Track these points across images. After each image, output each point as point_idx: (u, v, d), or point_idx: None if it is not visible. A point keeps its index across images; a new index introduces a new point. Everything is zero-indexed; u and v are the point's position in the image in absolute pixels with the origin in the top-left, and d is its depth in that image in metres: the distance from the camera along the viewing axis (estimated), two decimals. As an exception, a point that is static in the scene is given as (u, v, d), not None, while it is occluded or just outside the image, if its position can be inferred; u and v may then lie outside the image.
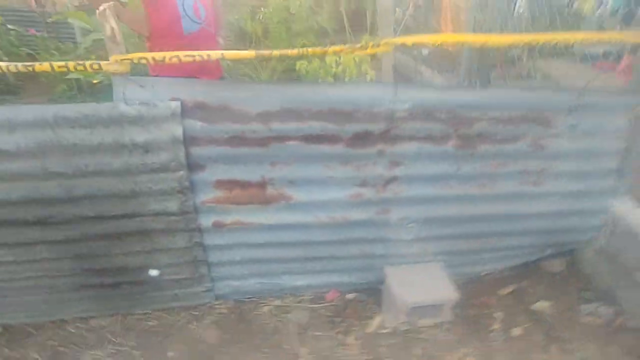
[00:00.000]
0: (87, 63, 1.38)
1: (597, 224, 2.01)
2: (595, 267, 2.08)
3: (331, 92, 1.56)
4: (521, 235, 1.97)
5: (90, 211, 1.52)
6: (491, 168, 1.77)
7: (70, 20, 3.65)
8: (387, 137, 1.63)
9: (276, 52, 1.48)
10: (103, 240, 1.59)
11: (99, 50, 4.15)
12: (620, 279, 1.90)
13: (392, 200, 1.75)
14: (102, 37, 3.38)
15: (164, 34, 2.13)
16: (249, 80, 4.98)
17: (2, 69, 1.34)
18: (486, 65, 4.07)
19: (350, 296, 1.97)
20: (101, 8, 1.37)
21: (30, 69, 1.38)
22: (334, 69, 4.41)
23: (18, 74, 5.29)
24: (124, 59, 1.38)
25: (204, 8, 2.22)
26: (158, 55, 1.41)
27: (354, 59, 4.16)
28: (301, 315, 1.84)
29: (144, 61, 1.40)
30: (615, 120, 1.78)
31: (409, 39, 1.53)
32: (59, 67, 1.38)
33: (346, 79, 4.26)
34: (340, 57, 3.98)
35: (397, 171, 1.70)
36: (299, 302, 1.92)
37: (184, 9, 2.14)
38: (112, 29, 1.38)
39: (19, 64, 1.36)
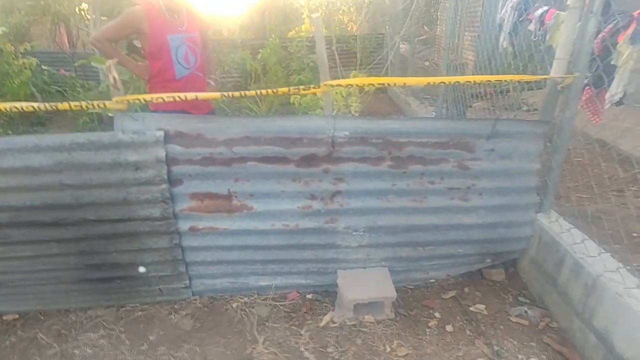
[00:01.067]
0: (95, 103, 1.84)
1: (526, 236, 2.30)
2: (529, 275, 2.35)
3: (282, 123, 1.96)
4: (457, 245, 2.27)
5: (92, 215, 1.93)
6: (422, 185, 2.11)
7: (93, 63, 4.28)
8: (330, 158, 2.01)
9: (237, 94, 1.91)
10: (101, 240, 2.00)
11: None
12: (547, 285, 2.16)
13: (339, 211, 2.11)
14: (122, 78, 3.95)
15: (160, 77, 2.60)
16: (248, 112, 5.52)
17: (33, 108, 1.81)
18: (462, 98, 4.47)
19: (309, 296, 2.29)
20: (107, 64, 1.84)
21: (54, 107, 1.85)
22: (322, 102, 4.90)
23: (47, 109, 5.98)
24: (123, 100, 1.84)
25: (193, 56, 2.68)
26: (147, 96, 1.86)
27: (341, 94, 4.66)
28: (263, 310, 2.17)
29: (137, 101, 1.85)
30: (526, 145, 2.12)
31: (344, 81, 1.95)
32: (75, 106, 1.84)
33: (334, 111, 4.73)
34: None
35: (341, 186, 2.07)
36: (264, 299, 2.24)
37: (176, 58, 2.61)
38: (114, 78, 1.84)
39: (46, 104, 1.82)
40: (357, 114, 4.82)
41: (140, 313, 2.17)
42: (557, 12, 2.55)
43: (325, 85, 1.96)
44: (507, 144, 2.11)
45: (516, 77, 2.22)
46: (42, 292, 2.12)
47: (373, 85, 1.96)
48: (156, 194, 1.93)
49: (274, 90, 1.92)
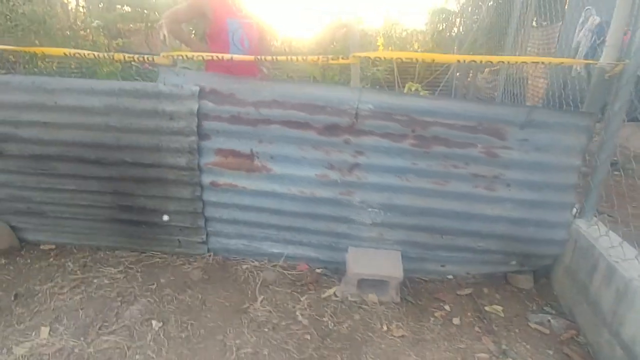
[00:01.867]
0: (145, 56, 2.05)
1: (559, 239, 2.10)
2: (561, 286, 2.13)
3: (309, 90, 2.03)
4: (478, 238, 2.13)
5: (128, 157, 2.12)
6: (444, 168, 2.04)
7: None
8: (352, 130, 2.03)
9: (269, 58, 2.02)
10: (133, 182, 2.17)
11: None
12: (579, 296, 1.94)
13: (355, 184, 2.10)
14: (190, 68, 4.26)
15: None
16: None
17: (94, 56, 2.06)
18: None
19: (318, 271, 2.27)
20: (160, 22, 2.04)
21: (111, 57, 2.09)
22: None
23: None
24: (168, 55, 2.03)
25: (248, 41, 2.88)
26: (189, 53, 2.04)
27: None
28: (270, 275, 2.19)
29: (180, 57, 2.03)
30: (566, 139, 1.97)
31: (372, 53, 1.97)
32: (129, 57, 2.07)
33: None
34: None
35: (360, 159, 2.06)
36: (273, 266, 2.27)
37: (233, 39, 2.82)
38: (164, 35, 2.04)
39: (103, 54, 2.07)
40: None
41: (158, 260, 2.30)
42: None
43: (354, 56, 2.00)
44: (544, 135, 1.97)
45: (556, 60, 2.08)
46: (78, 226, 2.33)
47: (401, 59, 1.96)
48: (185, 144, 2.07)
49: (304, 58, 2.00)
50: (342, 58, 1.99)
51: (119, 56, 2.07)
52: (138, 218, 2.27)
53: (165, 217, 2.24)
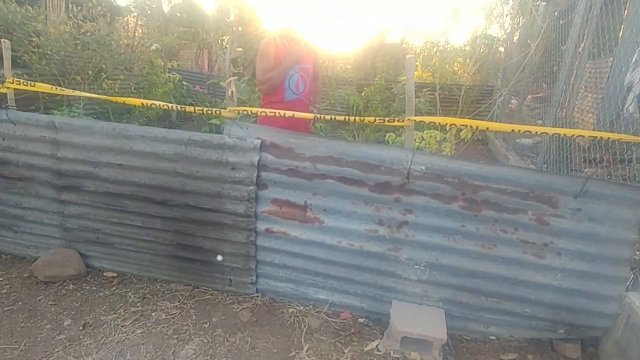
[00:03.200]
0: (214, 110, 2.23)
1: (611, 312, 2.06)
2: (609, 358, 2.07)
3: (364, 149, 2.13)
4: (525, 304, 2.12)
5: (192, 201, 2.29)
6: (493, 232, 2.06)
7: (222, 83, 5.07)
8: (403, 189, 2.10)
9: (328, 117, 2.14)
10: (193, 224, 2.34)
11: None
12: (629, 374, 1.89)
13: (403, 241, 2.16)
14: (239, 97, 4.57)
15: (271, 98, 3.00)
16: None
17: (168, 107, 2.27)
18: (568, 159, 4.15)
19: (361, 320, 2.33)
20: (228, 80, 2.22)
21: (182, 109, 2.28)
22: (417, 143, 4.99)
23: (179, 115, 7.09)
24: (234, 110, 2.20)
25: (303, 85, 3.06)
26: (253, 109, 2.20)
27: (435, 137, 4.70)
28: (315, 321, 2.27)
29: (245, 112, 2.20)
30: (621, 212, 1.95)
31: (427, 118, 2.05)
32: (198, 110, 2.25)
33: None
34: (422, 134, 4.59)
35: (409, 217, 2.13)
36: (318, 312, 2.35)
37: (289, 83, 3.00)
38: (232, 92, 2.21)
39: (176, 105, 2.26)
40: (452, 150, 4.78)
41: (209, 296, 2.44)
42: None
43: (408, 119, 2.08)
44: (598, 206, 1.97)
45: (615, 136, 2.07)
46: (139, 258, 2.53)
47: (455, 125, 2.02)
48: (244, 193, 2.22)
49: (361, 119, 2.11)
50: (398, 120, 2.08)
51: (190, 109, 2.26)
52: (194, 256, 2.43)
53: (220, 257, 2.39)
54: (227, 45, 8.57)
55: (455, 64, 11.99)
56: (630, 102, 5.78)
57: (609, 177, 4.44)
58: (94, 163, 2.37)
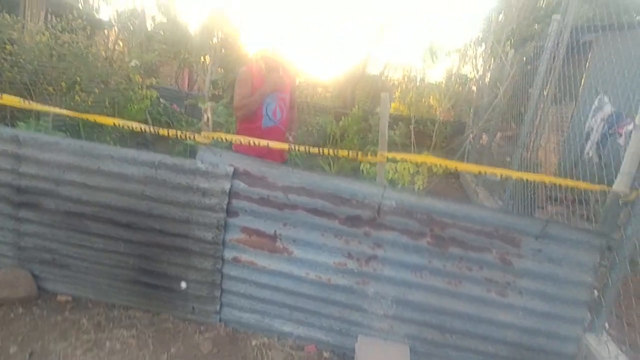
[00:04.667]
0: (187, 134, 2.21)
1: (569, 353, 2.11)
2: (568, 400, 2.11)
3: (336, 182, 2.15)
4: (488, 342, 2.15)
5: (158, 225, 2.22)
6: (459, 269, 2.10)
7: (200, 104, 5.06)
8: (373, 223, 2.12)
9: (302, 148, 2.16)
10: (158, 249, 2.26)
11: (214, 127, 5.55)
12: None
13: (371, 275, 2.16)
14: (218, 120, 4.58)
15: (249, 124, 3.02)
16: (320, 170, 5.87)
17: (141, 129, 2.23)
18: (532, 198, 4.32)
19: (326, 354, 2.28)
20: (205, 106, 2.22)
21: (157, 131, 2.25)
22: (390, 175, 5.09)
23: (152, 134, 6.92)
24: (209, 135, 2.19)
25: (280, 113, 3.09)
26: (228, 136, 2.19)
27: (409, 169, 4.81)
28: (279, 355, 2.21)
29: (220, 139, 2.19)
30: (579, 254, 2.03)
31: (399, 155, 2.11)
32: (172, 133, 2.23)
33: (399, 185, 4.88)
34: (396, 165, 4.70)
35: (378, 252, 2.14)
36: (282, 344, 2.29)
37: (266, 111, 3.03)
38: (208, 118, 2.21)
39: (151, 127, 2.23)
40: (423, 185, 4.88)
41: (170, 325, 2.34)
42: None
43: (381, 155, 2.13)
44: (558, 248, 2.05)
45: (575, 184, 2.19)
46: (98, 283, 2.41)
47: (426, 163, 2.09)
48: (213, 220, 2.18)
49: (335, 152, 2.14)
50: (371, 155, 2.12)
51: (163, 132, 2.23)
52: (157, 282, 2.34)
53: (183, 284, 2.31)
54: (208, 66, 8.62)
55: (431, 98, 12.46)
56: (590, 147, 6.15)
57: (571, 215, 4.65)
58: (57, 181, 2.28)
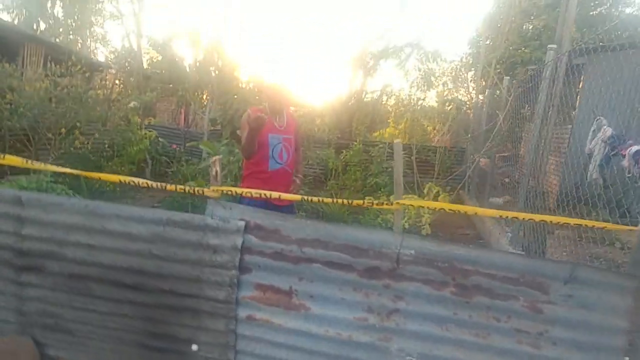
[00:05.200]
0: (197, 189, 2.15)
1: (610, 406, 1.97)
2: None
3: (352, 232, 2.07)
4: (523, 398, 2.01)
5: (166, 286, 2.12)
6: (486, 320, 1.99)
7: (201, 146, 5.04)
8: (393, 274, 2.03)
9: (315, 199, 2.09)
10: (167, 310, 2.15)
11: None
12: None
13: (394, 330, 2.05)
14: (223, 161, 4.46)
15: (255, 168, 2.98)
16: (322, 205, 5.78)
17: (147, 185, 2.16)
18: (542, 233, 4.24)
19: (349, 417, 2.13)
20: (213, 159, 2.16)
21: (163, 187, 2.19)
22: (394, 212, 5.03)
23: (153, 173, 6.92)
24: (218, 189, 2.12)
25: (287, 154, 3.06)
26: (238, 190, 2.13)
27: (414, 211, 4.74)
28: (300, 421, 2.06)
29: (229, 192, 2.12)
30: (611, 298, 1.94)
31: (416, 202, 2.04)
32: (180, 189, 2.16)
33: (405, 218, 4.81)
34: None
35: (400, 305, 2.04)
36: (302, 409, 2.14)
37: (272, 153, 2.99)
38: (217, 172, 2.15)
39: (157, 183, 2.17)
40: (427, 225, 4.81)
41: (182, 392, 2.19)
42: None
43: (397, 203, 2.07)
44: (589, 292, 1.95)
45: (601, 224, 2.12)
46: (102, 348, 2.27)
47: (444, 209, 2.02)
48: (225, 278, 2.08)
49: (349, 202, 2.07)
50: (386, 204, 2.05)
51: (171, 187, 2.17)
52: (166, 345, 2.21)
53: (195, 347, 2.18)
54: (207, 103, 8.68)
55: (426, 123, 12.56)
56: (593, 168, 6.14)
57: (579, 239, 4.54)
58: (60, 242, 2.18)
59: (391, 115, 14.23)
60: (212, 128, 9.10)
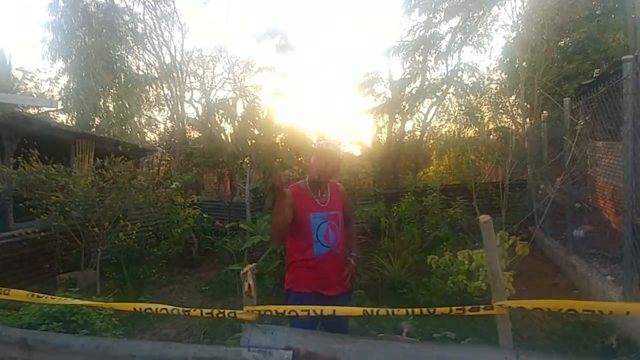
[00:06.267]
0: (227, 312, 1.67)
1: None
2: None
3: (441, 353, 1.47)
4: None
5: None
6: None
7: (242, 226, 4.77)
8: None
9: (383, 311, 1.53)
10: None
11: (255, 250, 5.16)
12: None
13: None
14: (261, 239, 4.09)
15: (299, 256, 2.49)
16: (379, 269, 5.09)
17: (166, 311, 1.73)
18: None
19: None
20: (244, 270, 1.69)
21: (187, 313, 1.74)
22: (466, 266, 4.26)
23: (200, 252, 6.70)
24: (254, 310, 1.63)
25: (334, 235, 2.54)
26: (280, 308, 1.63)
27: (484, 256, 3.98)
28: None
29: (268, 312, 1.62)
30: None
31: (524, 302, 1.42)
32: (206, 313, 1.70)
33: (480, 278, 4.04)
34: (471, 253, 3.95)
35: None
36: None
37: (317, 236, 2.49)
38: (250, 286, 1.68)
39: (180, 309, 1.72)
40: (510, 284, 3.99)
41: None
42: None
43: (500, 306, 1.45)
44: None
45: None
46: None
47: (575, 310, 1.38)
48: None
49: (431, 311, 1.49)
50: (484, 308, 1.45)
51: (195, 312, 1.71)
52: None
53: None
54: (247, 174, 8.54)
55: (473, 156, 11.70)
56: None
57: None
58: (72, 394, 1.76)
59: (433, 154, 13.48)
60: (255, 196, 8.90)
